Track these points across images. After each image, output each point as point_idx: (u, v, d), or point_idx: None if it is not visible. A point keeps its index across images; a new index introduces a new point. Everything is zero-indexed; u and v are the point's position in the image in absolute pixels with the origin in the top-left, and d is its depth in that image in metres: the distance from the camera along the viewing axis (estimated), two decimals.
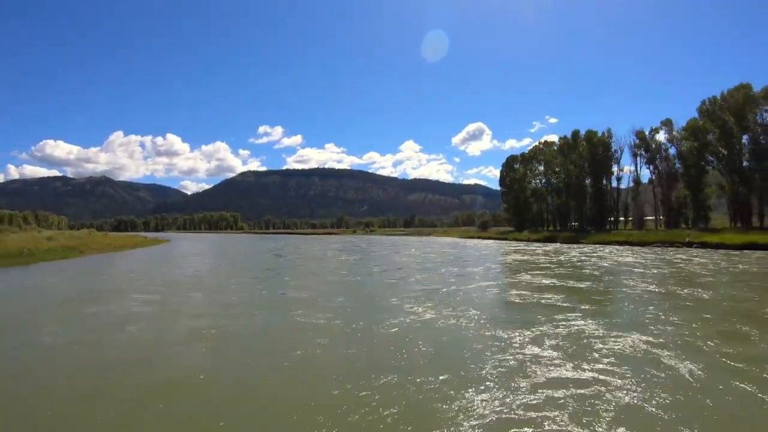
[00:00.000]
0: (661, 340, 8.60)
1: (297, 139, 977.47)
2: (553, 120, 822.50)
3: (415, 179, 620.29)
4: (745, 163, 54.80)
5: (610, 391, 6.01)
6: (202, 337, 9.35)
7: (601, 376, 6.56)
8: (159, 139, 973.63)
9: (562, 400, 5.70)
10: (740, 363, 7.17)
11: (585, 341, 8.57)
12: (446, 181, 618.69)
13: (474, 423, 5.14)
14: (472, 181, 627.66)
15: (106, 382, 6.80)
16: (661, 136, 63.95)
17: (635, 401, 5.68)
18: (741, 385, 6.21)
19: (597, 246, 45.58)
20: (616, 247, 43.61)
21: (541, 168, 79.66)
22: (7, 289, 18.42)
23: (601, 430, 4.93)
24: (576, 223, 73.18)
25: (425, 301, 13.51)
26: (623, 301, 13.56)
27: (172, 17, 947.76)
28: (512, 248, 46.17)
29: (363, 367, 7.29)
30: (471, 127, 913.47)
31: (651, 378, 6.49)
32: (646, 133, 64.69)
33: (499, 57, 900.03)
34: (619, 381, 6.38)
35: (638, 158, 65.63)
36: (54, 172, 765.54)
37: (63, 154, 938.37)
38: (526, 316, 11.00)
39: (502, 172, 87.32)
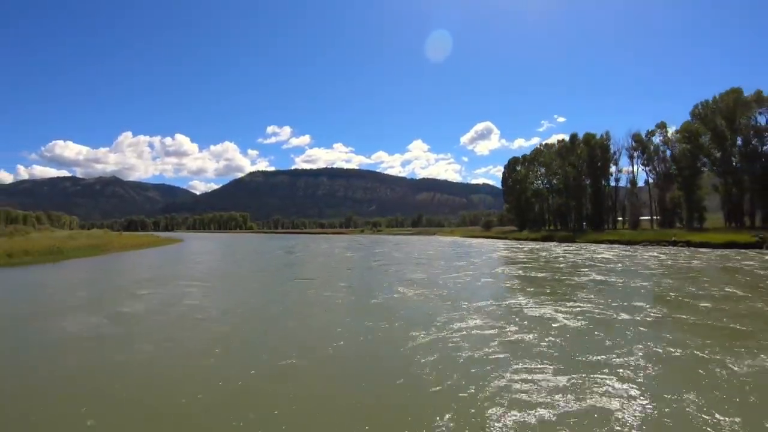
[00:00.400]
0: (564, 309, 12.09)
1: (305, 139, 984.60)
2: (561, 119, 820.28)
3: (423, 179, 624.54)
4: (738, 165, 57.56)
5: (508, 330, 9.56)
6: (241, 306, 13.06)
7: (514, 328, 10.10)
8: (168, 140, 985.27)
9: (482, 331, 9.26)
10: (605, 316, 10.67)
11: (514, 308, 12.10)
12: (454, 181, 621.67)
13: (418, 344, 8.72)
14: (480, 181, 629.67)
15: (184, 332, 10.48)
16: (656, 139, 66.71)
17: (532, 342, 9.22)
18: (595, 328, 9.71)
19: (587, 245, 48.67)
20: (604, 245, 46.67)
21: (543, 170, 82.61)
22: (68, 280, 22.31)
23: (499, 351, 8.48)
24: (575, 223, 75.99)
25: (409, 285, 17.12)
26: (561, 286, 16.98)
27: (181, 17, 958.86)
28: (504, 246, 49.58)
29: (358, 320, 10.92)
30: (479, 127, 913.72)
31: (546, 330, 10.01)
32: (643, 135, 67.46)
33: (507, 56, 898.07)
34: (526, 333, 9.93)
35: (634, 160, 68.49)
36: (63, 173, 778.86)
37: (72, 155, 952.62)
38: (481, 293, 14.53)
39: (504, 174, 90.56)
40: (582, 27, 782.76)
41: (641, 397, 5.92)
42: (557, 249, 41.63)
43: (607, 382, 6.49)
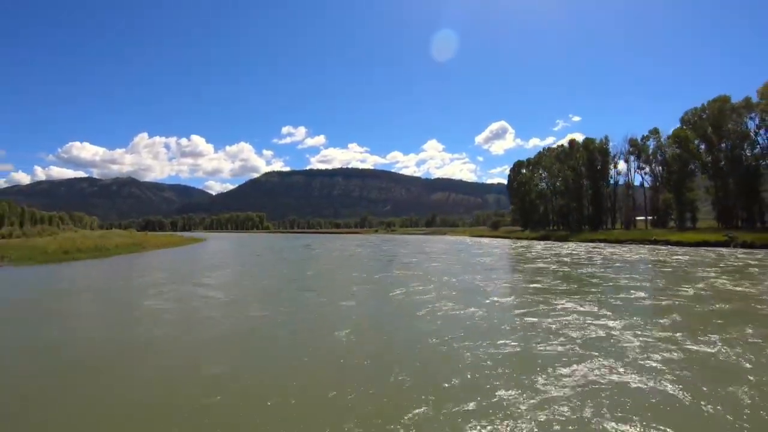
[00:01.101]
0: (483, 278, 17.98)
1: (320, 139, 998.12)
2: (576, 118, 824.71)
3: (438, 179, 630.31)
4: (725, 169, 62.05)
5: (472, 308, 15.52)
6: (287, 281, 19.30)
7: (476, 306, 16.07)
8: (183, 140, 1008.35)
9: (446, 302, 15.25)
10: (535, 290, 16.54)
11: (458, 277, 18.05)
12: (469, 181, 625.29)
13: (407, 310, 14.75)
14: (495, 180, 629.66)
15: (258, 302, 16.69)
16: (652, 143, 71.40)
17: (480, 316, 15.19)
18: (536, 298, 15.60)
19: (575, 243, 54.00)
20: (591, 244, 51.92)
21: (545, 173, 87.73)
22: (138, 268, 28.89)
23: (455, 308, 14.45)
24: (576, 224, 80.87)
25: (404, 269, 23.19)
26: (521, 272, 22.79)
27: (196, 19, 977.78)
28: (499, 243, 55.25)
29: (366, 292, 17.03)
30: (494, 126, 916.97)
31: (489, 304, 15.96)
32: (639, 141, 72.23)
33: (522, 55, 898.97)
34: (481, 309, 15.90)
35: (629, 164, 73.35)
36: (80, 173, 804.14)
37: (89, 156, 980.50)
38: (457, 276, 20.51)
39: (510, 176, 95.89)
40: (596, 26, 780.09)
41: (486, 305, 11.86)
42: (538, 246, 47.54)
43: (478, 298, 12.47)
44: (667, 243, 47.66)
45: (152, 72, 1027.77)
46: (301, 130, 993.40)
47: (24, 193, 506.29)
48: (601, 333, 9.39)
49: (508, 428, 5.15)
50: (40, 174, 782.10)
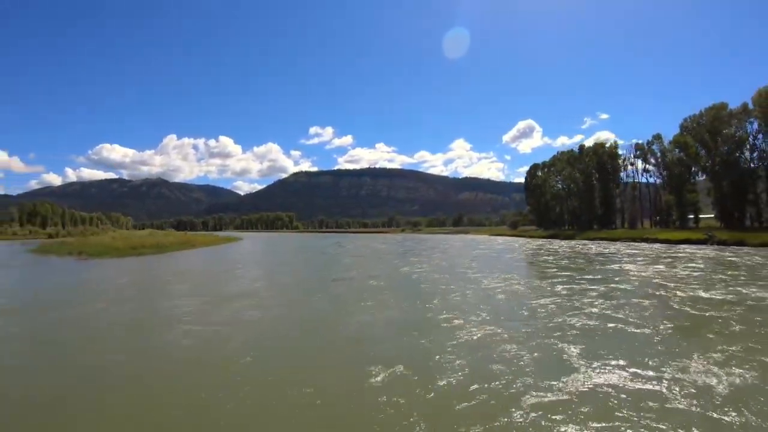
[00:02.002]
0: (464, 264, 26.38)
1: (347, 139, 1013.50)
2: (604, 116, 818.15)
3: (465, 178, 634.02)
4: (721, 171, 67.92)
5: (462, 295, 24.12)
6: (335, 264, 28.28)
7: (444, 271, 24.65)
8: (212, 141, 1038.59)
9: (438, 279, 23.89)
10: (488, 278, 24.95)
11: (448, 265, 26.52)
12: (497, 180, 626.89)
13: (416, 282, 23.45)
14: (522, 180, 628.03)
15: (323, 279, 25.69)
16: (657, 148, 77.56)
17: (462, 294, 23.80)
18: (499, 285, 24.08)
19: (574, 241, 61.41)
20: (589, 241, 59.26)
21: (559, 176, 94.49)
22: (209, 259, 38.38)
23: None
24: (586, 223, 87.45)
25: (413, 260, 31.86)
26: (500, 263, 31.00)
27: (224, 20, 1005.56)
28: (508, 240, 63.13)
29: (387, 273, 25.82)
30: (521, 125, 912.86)
31: (473, 287, 24.52)
32: (645, 145, 78.53)
33: (548, 53, 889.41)
34: (445, 274, 24.48)
35: (634, 167, 79.75)
36: (111, 175, 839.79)
37: (119, 157, 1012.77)
38: (447, 260, 28.98)
39: (527, 178, 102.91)
40: (623, 23, 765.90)
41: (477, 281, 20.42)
42: (537, 242, 55.37)
43: (469, 273, 21.03)
44: (655, 240, 54.59)
45: (181, 73, 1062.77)
46: (329, 131, 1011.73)
47: (56, 194, 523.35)
48: (494, 285, 17.85)
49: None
50: (71, 175, 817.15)
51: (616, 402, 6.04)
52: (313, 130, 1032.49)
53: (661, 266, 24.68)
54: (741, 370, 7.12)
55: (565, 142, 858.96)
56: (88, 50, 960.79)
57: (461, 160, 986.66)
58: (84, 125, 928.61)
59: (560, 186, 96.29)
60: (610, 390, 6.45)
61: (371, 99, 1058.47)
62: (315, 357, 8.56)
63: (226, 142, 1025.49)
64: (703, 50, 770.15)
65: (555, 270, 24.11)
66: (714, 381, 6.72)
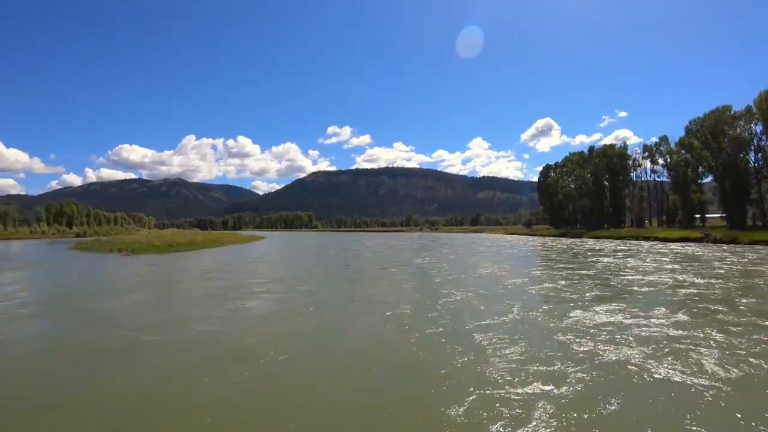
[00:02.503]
0: (469, 256, 31.40)
1: (365, 138, 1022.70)
2: (623, 114, 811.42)
3: (483, 177, 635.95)
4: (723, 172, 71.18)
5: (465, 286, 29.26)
6: (363, 257, 33.65)
7: (447, 261, 29.78)
8: (230, 141, 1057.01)
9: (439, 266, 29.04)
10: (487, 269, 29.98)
11: (450, 257, 31.60)
12: (515, 179, 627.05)
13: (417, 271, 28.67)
14: None
15: (363, 267, 31.10)
16: (665, 148, 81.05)
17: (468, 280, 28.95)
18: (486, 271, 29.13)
19: (582, 239, 65.71)
20: (594, 239, 63.51)
21: (571, 177, 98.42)
22: (241, 254, 44.06)
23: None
24: (596, 222, 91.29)
25: (424, 254, 37.02)
26: (499, 256, 35.87)
27: (241, 21, 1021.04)
28: (517, 239, 67.70)
29: (403, 262, 31.05)
30: (539, 123, 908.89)
31: (478, 278, 29.63)
32: (653, 147, 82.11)
33: (566, 51, 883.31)
34: (446, 263, 29.62)
35: (641, 168, 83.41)
36: (130, 175, 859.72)
37: (138, 158, 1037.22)
38: (454, 254, 34.04)
39: (540, 179, 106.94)
40: (642, 20, 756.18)
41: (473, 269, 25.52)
42: (542, 240, 59.76)
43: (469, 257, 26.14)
44: (655, 239, 58.63)
45: (199, 74, 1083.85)
46: (347, 130, 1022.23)
47: (77, 194, 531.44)
48: (483, 271, 22.85)
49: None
50: (91, 176, 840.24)
51: (519, 324, 11.09)
52: (331, 129, 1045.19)
53: (631, 259, 29.31)
54: (615, 316, 12.04)
55: (583, 140, 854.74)
56: (108, 51, 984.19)
57: (479, 159, 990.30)
58: (103, 126, 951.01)
59: (572, 186, 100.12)
60: (528, 316, 11.50)
61: (389, 98, 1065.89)
62: (368, 302, 13.78)
63: (245, 142, 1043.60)
64: (724, 46, 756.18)
65: (539, 260, 29.02)
66: (595, 318, 11.66)
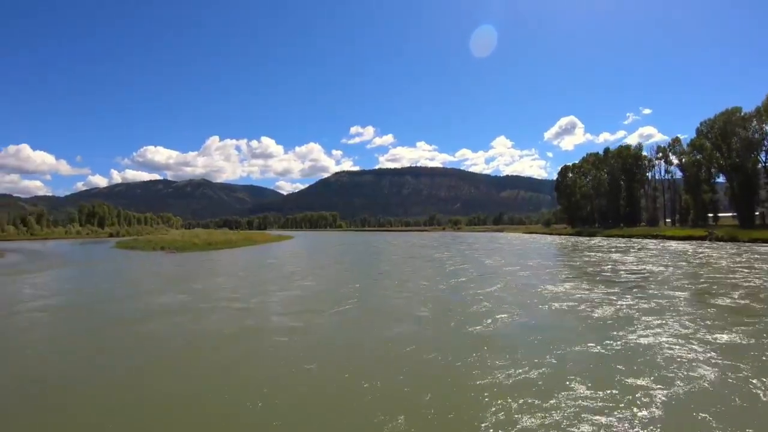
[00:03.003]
0: (480, 250, 36.84)
1: (388, 138, 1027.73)
2: (647, 111, 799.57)
3: (506, 176, 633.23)
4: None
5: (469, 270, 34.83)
6: (389, 250, 39.58)
7: (458, 252, 35.34)
8: (254, 142, 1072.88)
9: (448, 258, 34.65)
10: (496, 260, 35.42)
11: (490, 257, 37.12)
12: (539, 178, 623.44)
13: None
14: None
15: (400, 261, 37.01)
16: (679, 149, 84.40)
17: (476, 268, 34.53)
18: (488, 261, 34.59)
19: (593, 238, 70.09)
20: (604, 237, 67.86)
21: (588, 178, 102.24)
22: (280, 250, 50.34)
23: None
24: (612, 221, 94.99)
25: (443, 249, 42.66)
26: (506, 252, 41.14)
27: (263, 23, 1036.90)
28: (532, 237, 72.54)
29: (422, 255, 36.82)
30: (563, 122, 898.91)
31: (486, 270, 35.17)
32: (666, 148, 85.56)
33: (589, 48, 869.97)
34: (457, 255, 35.20)
35: (655, 170, 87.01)
36: (155, 176, 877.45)
37: (162, 159, 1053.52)
38: (469, 248, 39.55)
39: (557, 179, 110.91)
40: (666, 15, 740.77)
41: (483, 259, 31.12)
42: (552, 239, 64.59)
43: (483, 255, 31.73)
44: (663, 237, 62.71)
45: (222, 75, 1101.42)
46: (370, 130, 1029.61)
47: (103, 195, 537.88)
48: (489, 262, 28.32)
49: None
50: (116, 177, 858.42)
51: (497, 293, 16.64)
52: (353, 129, 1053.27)
53: (619, 254, 34.43)
54: (575, 291, 17.45)
55: (607, 138, 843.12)
56: (132, 53, 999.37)
57: (502, 157, 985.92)
58: (128, 128, 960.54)
59: (589, 186, 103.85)
60: (503, 286, 17.04)
61: (411, 98, 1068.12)
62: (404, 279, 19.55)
63: (268, 142, 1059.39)
64: (751, 43, 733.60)
65: (535, 254, 34.34)
66: (550, 288, 17.11)
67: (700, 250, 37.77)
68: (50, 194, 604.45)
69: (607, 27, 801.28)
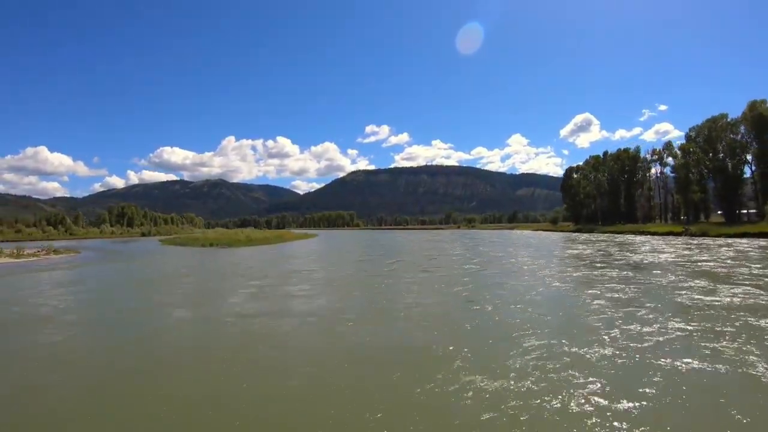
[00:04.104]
0: (472, 241, 47.27)
1: (404, 137, 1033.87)
2: (663, 107, 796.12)
3: (522, 174, 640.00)
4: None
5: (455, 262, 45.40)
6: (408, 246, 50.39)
7: (459, 242, 45.90)
8: (270, 142, 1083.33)
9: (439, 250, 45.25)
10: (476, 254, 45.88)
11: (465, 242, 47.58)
12: (555, 175, 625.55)
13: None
14: None
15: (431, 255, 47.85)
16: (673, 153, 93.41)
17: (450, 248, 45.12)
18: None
19: (587, 234, 79.83)
20: (594, 234, 77.56)
21: (591, 178, 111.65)
22: (315, 245, 61.36)
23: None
24: (612, 219, 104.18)
25: (455, 244, 53.24)
26: (502, 245, 51.46)
27: (278, 23, 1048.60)
28: (534, 233, 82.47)
29: (434, 247, 47.48)
30: (578, 119, 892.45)
31: (467, 265, 45.75)
32: (661, 151, 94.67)
33: (605, 45, 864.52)
34: (451, 244, 45.76)
35: (650, 172, 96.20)
36: (171, 177, 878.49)
37: (179, 160, 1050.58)
38: (471, 241, 50.03)
39: (563, 180, 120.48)
40: (682, 10, 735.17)
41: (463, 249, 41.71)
42: (552, 235, 74.63)
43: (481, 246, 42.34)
44: (647, 233, 72.13)
45: (237, 76, 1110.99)
46: (385, 129, 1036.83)
47: (120, 196, 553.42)
48: (485, 251, 38.79)
49: None
50: (133, 178, 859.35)
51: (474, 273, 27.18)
52: (369, 128, 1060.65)
53: (582, 245, 44.61)
54: (529, 262, 27.90)
55: (624, 135, 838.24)
56: (146, 53, 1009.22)
57: (518, 155, 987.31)
58: (144, 129, 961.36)
59: (591, 187, 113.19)
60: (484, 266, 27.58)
61: (426, 96, 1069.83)
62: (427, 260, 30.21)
63: (284, 142, 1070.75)
64: (766, 38, 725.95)
65: (524, 246, 44.59)
66: (519, 259, 27.57)
67: (660, 242, 47.67)
68: (68, 195, 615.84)
69: (623, 23, 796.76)
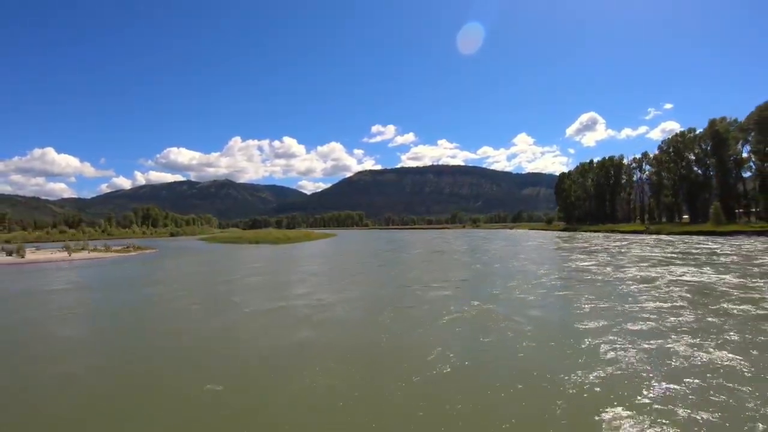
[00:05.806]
0: (460, 239, 63.75)
1: (410, 136, 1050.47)
2: (668, 106, 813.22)
3: (528, 173, 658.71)
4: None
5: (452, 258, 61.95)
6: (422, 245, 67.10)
7: (454, 241, 62.49)
8: (276, 142, 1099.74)
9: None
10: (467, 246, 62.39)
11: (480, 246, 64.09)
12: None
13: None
14: None
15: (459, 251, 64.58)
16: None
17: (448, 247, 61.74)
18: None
19: (570, 233, 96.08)
20: (577, 233, 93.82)
21: (581, 182, 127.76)
22: (344, 241, 77.93)
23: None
24: (600, 220, 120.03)
25: (460, 240, 69.71)
26: (490, 240, 67.78)
27: (283, 23, 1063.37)
28: (534, 234, 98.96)
29: (435, 242, 64.09)
30: (584, 118, 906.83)
31: (470, 240, 62.35)
32: (640, 160, 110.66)
33: (610, 44, 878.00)
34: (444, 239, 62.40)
35: (633, 178, 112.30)
36: (178, 177, 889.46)
37: (186, 160, 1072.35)
38: (466, 238, 66.51)
39: (557, 184, 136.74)
40: (687, 9, 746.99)
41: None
42: (540, 234, 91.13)
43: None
44: (617, 231, 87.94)
45: (242, 77, 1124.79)
46: (391, 129, 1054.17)
47: (128, 196, 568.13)
48: (475, 244, 55.27)
49: None
50: (140, 178, 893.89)
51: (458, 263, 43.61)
52: (375, 128, 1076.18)
53: (550, 239, 60.86)
54: (504, 249, 44.24)
55: (629, 134, 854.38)
56: (152, 53, 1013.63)
57: (524, 154, 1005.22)
58: (151, 130, 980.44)
59: (581, 191, 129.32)
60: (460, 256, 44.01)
61: (432, 96, 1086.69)
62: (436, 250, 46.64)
63: (290, 142, 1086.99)
64: None
65: (509, 241, 60.86)
66: (497, 245, 43.90)
67: (617, 238, 63.78)
68: (76, 196, 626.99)
69: (627, 22, 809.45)
